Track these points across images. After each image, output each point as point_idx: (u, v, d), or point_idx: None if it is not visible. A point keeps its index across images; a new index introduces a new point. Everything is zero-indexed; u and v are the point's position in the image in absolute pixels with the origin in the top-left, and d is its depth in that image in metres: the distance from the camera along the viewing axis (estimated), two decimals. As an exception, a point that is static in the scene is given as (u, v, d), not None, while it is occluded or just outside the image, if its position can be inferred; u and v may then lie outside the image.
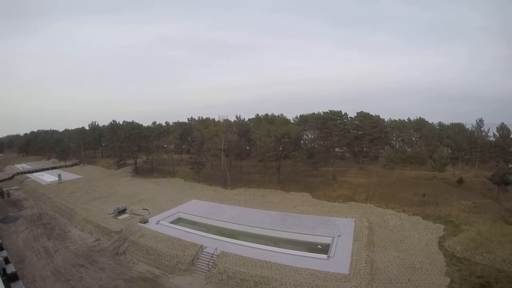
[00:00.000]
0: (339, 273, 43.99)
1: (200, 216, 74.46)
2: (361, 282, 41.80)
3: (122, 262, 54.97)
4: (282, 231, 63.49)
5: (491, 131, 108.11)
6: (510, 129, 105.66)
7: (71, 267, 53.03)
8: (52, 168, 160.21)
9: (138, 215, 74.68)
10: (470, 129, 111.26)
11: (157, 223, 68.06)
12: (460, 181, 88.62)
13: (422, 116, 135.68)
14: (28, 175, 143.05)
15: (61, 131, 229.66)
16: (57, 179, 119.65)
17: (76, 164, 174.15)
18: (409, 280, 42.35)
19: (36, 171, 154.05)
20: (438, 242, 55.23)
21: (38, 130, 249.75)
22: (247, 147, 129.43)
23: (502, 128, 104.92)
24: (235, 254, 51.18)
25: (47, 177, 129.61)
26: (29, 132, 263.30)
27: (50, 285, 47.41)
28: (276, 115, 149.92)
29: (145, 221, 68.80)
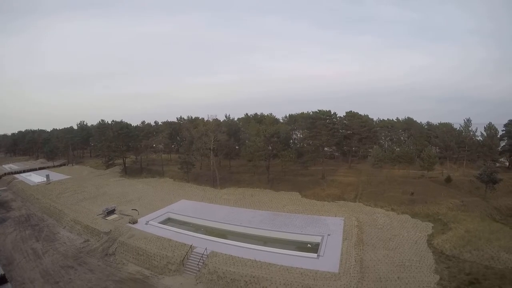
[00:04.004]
0: (329, 272, 44.20)
1: (190, 216, 74.28)
2: (351, 281, 42.02)
3: (112, 263, 54.62)
4: (271, 230, 63.62)
5: (479, 131, 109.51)
6: (498, 129, 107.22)
7: (60, 268, 52.57)
8: (40, 169, 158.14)
9: (127, 215, 74.30)
10: (458, 128, 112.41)
11: (146, 224, 67.77)
12: (448, 180, 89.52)
13: (408, 115, 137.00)
14: (16, 175, 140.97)
15: (49, 130, 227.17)
16: (45, 179, 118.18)
17: (64, 164, 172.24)
18: (398, 278, 42.67)
19: (24, 171, 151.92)
20: (427, 240, 55.87)
21: (26, 130, 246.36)
22: (236, 147, 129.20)
23: (490, 128, 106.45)
24: (225, 254, 51.16)
25: (35, 178, 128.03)
26: (16, 132, 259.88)
27: (39, 287, 46.92)
28: (266, 114, 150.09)
29: (134, 222, 68.43)
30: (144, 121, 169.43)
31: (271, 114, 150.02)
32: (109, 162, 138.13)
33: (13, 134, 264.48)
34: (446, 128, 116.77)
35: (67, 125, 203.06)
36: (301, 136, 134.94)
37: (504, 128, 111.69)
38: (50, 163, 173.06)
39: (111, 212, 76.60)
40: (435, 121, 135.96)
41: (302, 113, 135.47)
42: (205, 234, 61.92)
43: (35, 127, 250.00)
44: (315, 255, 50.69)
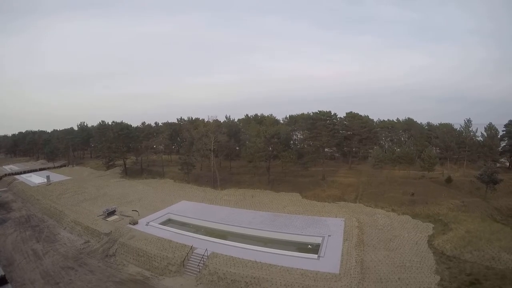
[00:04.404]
0: (329, 273, 44.15)
1: (190, 217, 74.23)
2: (351, 282, 41.98)
3: (112, 264, 54.58)
4: (272, 231, 63.56)
5: (479, 131, 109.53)
6: (498, 129, 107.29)
7: (61, 269, 52.51)
8: (40, 170, 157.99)
9: (127, 216, 74.25)
10: (458, 129, 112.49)
11: (146, 225, 67.72)
12: (449, 180, 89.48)
13: (408, 115, 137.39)
14: (16, 176, 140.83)
15: (49, 131, 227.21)
16: (45, 180, 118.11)
17: (64, 165, 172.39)
18: (399, 278, 42.63)
19: (24, 172, 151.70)
20: (427, 240, 55.84)
21: (26, 131, 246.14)
22: (237, 148, 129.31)
23: (490, 128, 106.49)
24: (226, 255, 51.11)
25: (36, 179, 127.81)
26: (17, 133, 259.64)
27: (39, 288, 46.96)
28: (266, 115, 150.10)
29: (135, 223, 68.40)
30: (144, 122, 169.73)
31: (271, 115, 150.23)
32: (110, 163, 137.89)
33: (13, 135, 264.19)
34: (446, 128, 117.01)
35: (68, 126, 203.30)
36: (302, 137, 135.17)
37: (504, 129, 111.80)
38: (50, 164, 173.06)
39: (111, 213, 76.49)
40: (435, 121, 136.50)
41: (303, 114, 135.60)
42: (206, 235, 61.83)
43: (35, 127, 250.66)
44: (315, 256, 50.60)
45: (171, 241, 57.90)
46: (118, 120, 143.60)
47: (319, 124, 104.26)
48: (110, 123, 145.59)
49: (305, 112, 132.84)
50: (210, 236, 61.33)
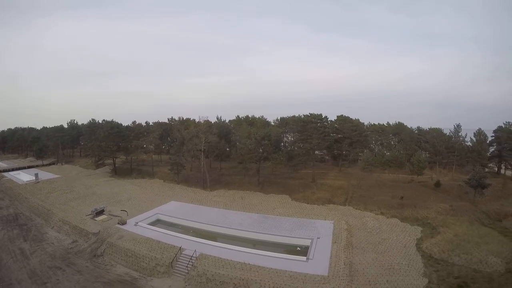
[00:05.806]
0: (318, 275, 44.19)
1: (179, 218, 73.85)
2: (340, 284, 42.04)
3: (100, 265, 54.12)
4: (261, 233, 63.49)
5: (468, 136, 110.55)
6: (487, 135, 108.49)
7: (48, 269, 51.96)
8: (29, 167, 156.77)
9: (116, 216, 73.66)
10: (448, 134, 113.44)
11: (135, 225, 67.28)
12: (438, 184, 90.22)
13: (403, 121, 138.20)
14: (4, 173, 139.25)
15: (39, 128, 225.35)
16: (34, 178, 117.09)
17: (53, 163, 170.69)
18: (387, 281, 42.79)
19: (13, 170, 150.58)
20: (415, 243, 56.14)
21: (15, 128, 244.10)
22: (227, 149, 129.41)
23: (479, 133, 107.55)
24: (214, 256, 50.91)
25: (24, 176, 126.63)
26: (5, 129, 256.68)
27: (26, 288, 46.43)
28: (257, 117, 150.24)
29: (123, 223, 67.90)
30: (135, 121, 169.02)
31: (262, 116, 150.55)
32: (99, 162, 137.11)
33: (2, 132, 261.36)
34: (436, 133, 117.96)
35: (58, 124, 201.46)
36: (292, 139, 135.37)
37: (493, 134, 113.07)
38: (39, 162, 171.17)
39: (100, 212, 75.79)
40: (433, 126, 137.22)
41: (294, 116, 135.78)
42: (195, 236, 61.57)
43: (24, 124, 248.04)
44: (304, 258, 50.62)
45: (159, 241, 57.56)
46: (109, 119, 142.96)
47: (310, 127, 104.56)
48: (100, 122, 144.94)
49: (296, 115, 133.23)
50: (199, 237, 61.02)
